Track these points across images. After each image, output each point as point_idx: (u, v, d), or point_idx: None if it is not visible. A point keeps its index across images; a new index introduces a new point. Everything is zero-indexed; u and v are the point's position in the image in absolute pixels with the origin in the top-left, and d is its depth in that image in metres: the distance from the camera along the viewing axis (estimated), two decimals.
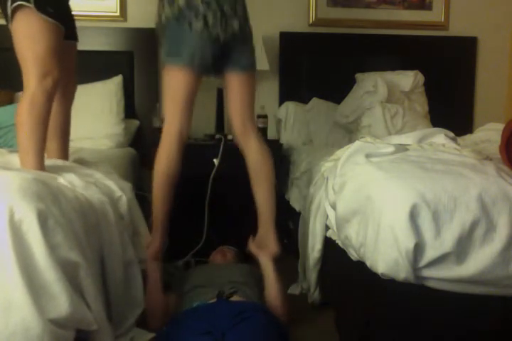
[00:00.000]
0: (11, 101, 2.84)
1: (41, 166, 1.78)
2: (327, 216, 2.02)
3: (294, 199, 2.78)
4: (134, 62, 3.20)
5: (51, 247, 1.36)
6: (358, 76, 3.16)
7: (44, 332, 1.28)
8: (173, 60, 2.05)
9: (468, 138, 2.73)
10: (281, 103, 3.31)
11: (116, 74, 3.08)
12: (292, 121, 3.23)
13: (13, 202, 1.33)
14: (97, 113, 2.90)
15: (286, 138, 3.22)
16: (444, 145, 1.94)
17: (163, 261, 2.14)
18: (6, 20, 1.84)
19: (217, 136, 2.90)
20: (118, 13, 3.21)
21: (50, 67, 1.78)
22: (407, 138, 2.06)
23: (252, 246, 2.16)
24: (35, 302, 1.29)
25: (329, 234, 2.02)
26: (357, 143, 1.99)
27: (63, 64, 1.87)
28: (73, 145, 2.68)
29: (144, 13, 3.23)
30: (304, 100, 3.26)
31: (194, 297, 1.92)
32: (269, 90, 3.33)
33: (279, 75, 3.34)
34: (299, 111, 3.22)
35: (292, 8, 3.34)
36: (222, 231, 2.73)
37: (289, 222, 2.91)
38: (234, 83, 2.14)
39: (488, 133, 2.66)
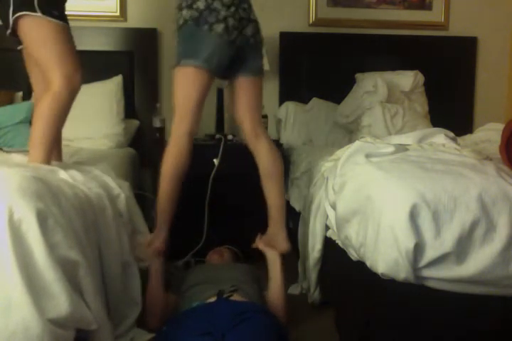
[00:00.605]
0: (11, 101, 2.84)
1: (48, 159, 1.82)
2: (327, 216, 2.02)
3: (294, 199, 2.78)
4: (134, 62, 3.20)
5: (51, 246, 1.36)
6: (358, 76, 3.16)
7: (44, 332, 1.28)
8: (190, 61, 2.06)
9: (468, 138, 2.73)
10: (281, 103, 3.31)
11: (116, 74, 3.08)
12: (292, 121, 3.23)
13: (13, 202, 1.33)
14: (97, 113, 2.90)
15: (286, 138, 3.22)
16: (444, 145, 1.94)
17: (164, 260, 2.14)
18: (6, 27, 1.84)
19: (217, 136, 2.90)
20: (118, 13, 3.22)
21: (73, 68, 1.84)
22: (407, 138, 2.06)
23: (260, 243, 2.18)
24: (34, 302, 1.29)
25: (329, 234, 2.02)
26: (357, 143, 1.99)
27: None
28: (73, 145, 2.69)
29: (144, 13, 3.23)
30: (304, 100, 3.26)
31: (193, 296, 1.91)
32: (269, 90, 3.32)
33: (279, 75, 3.34)
34: (299, 111, 3.22)
35: (292, 8, 3.34)
36: (222, 231, 2.73)
37: (289, 222, 2.90)
38: (244, 87, 2.18)
39: (488, 133, 2.66)
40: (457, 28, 3.49)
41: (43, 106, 1.82)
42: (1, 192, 1.35)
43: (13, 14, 1.79)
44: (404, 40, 3.40)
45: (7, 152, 2.20)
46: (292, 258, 2.47)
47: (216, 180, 2.74)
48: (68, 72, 1.81)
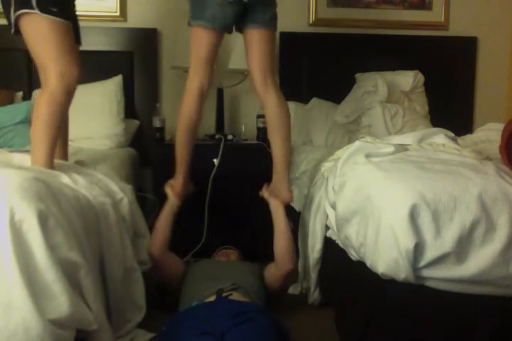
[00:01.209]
0: (11, 101, 2.84)
1: (50, 162, 1.81)
2: (327, 216, 2.02)
3: (294, 199, 2.77)
4: (134, 62, 3.20)
5: (51, 247, 1.36)
6: (358, 76, 3.16)
7: (44, 332, 1.28)
8: (197, 21, 2.18)
9: (468, 138, 2.73)
10: None
11: (116, 74, 3.07)
12: (292, 121, 3.22)
13: (14, 202, 1.33)
14: (97, 113, 2.89)
15: None
16: (444, 145, 1.94)
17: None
18: (10, 27, 1.85)
19: (217, 136, 2.90)
20: (118, 13, 3.21)
21: (69, 64, 1.81)
22: (407, 138, 2.06)
23: (265, 192, 2.28)
24: (35, 303, 1.29)
25: (329, 234, 2.02)
26: (357, 143, 1.99)
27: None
28: (73, 145, 2.69)
29: (144, 13, 3.23)
30: (304, 100, 3.26)
31: (193, 295, 1.92)
32: None
33: (279, 75, 3.34)
34: (299, 111, 3.21)
35: (292, 8, 3.34)
36: (222, 231, 2.73)
37: (289, 222, 2.90)
38: (255, 38, 2.24)
39: (488, 133, 2.66)
40: (457, 28, 3.49)
41: (40, 106, 1.81)
42: (2, 192, 1.36)
43: (14, 13, 1.79)
44: (405, 40, 3.40)
45: (10, 151, 2.20)
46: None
47: (216, 180, 2.74)
48: (63, 70, 1.80)
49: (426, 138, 2.05)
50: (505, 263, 1.49)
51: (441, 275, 1.51)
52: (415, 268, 1.51)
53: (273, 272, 2.14)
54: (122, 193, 1.93)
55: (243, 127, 3.21)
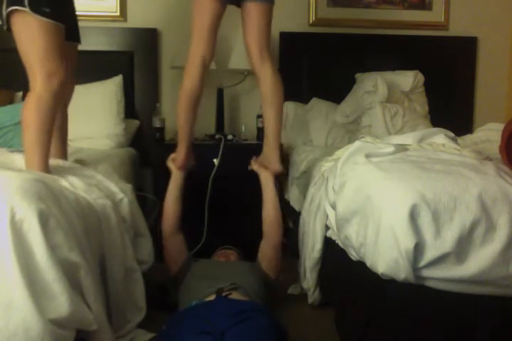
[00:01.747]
0: (11, 101, 2.84)
1: (46, 167, 1.79)
2: (327, 216, 2.02)
3: (294, 199, 2.78)
4: (134, 62, 3.20)
5: (52, 247, 1.36)
6: (358, 76, 3.16)
7: (44, 332, 1.29)
8: None
9: (468, 138, 2.73)
10: None
11: (116, 74, 3.08)
12: (292, 121, 3.23)
13: (14, 203, 1.33)
14: (97, 113, 2.90)
15: (286, 138, 3.22)
16: (444, 145, 1.94)
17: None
18: (2, 24, 1.84)
19: (217, 136, 2.90)
20: (118, 13, 3.21)
21: (55, 67, 1.78)
22: (407, 138, 2.06)
23: (254, 164, 2.36)
24: (35, 303, 1.29)
25: (329, 234, 2.02)
26: (357, 143, 1.99)
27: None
28: (73, 145, 2.69)
29: (144, 13, 3.23)
30: (304, 100, 3.26)
31: (192, 294, 1.92)
32: None
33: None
34: (299, 111, 3.22)
35: (292, 8, 3.34)
36: (222, 231, 2.73)
37: (289, 222, 2.91)
38: (253, 12, 2.27)
39: (488, 133, 2.66)
40: (457, 28, 3.49)
41: (29, 113, 1.78)
42: (3, 193, 1.36)
43: (6, 9, 1.78)
44: (404, 40, 3.40)
45: (10, 152, 2.20)
46: (292, 258, 2.48)
47: (216, 180, 2.74)
48: (49, 72, 1.77)
49: (426, 138, 2.05)
50: (505, 263, 1.49)
51: (441, 275, 1.51)
52: (415, 268, 1.51)
53: (263, 252, 2.20)
54: (122, 194, 1.93)
55: (243, 127, 3.21)
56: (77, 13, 2.06)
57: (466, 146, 2.15)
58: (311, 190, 2.30)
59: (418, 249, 1.49)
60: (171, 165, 2.36)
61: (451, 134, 2.09)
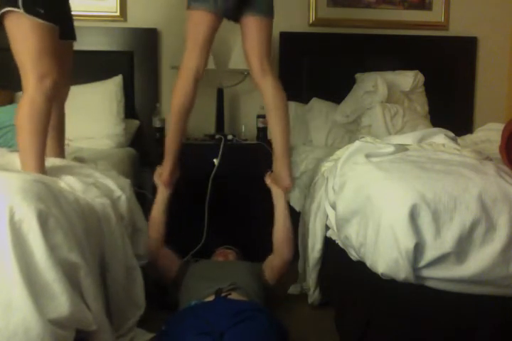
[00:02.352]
0: (11, 101, 2.84)
1: (42, 169, 1.78)
2: (327, 216, 2.02)
3: (294, 199, 2.78)
4: (134, 62, 3.19)
5: (51, 248, 1.36)
6: (358, 76, 3.16)
7: (44, 332, 1.28)
8: (197, 4, 2.17)
9: (468, 138, 2.73)
10: None
11: (116, 74, 3.07)
12: (292, 121, 3.22)
13: (14, 203, 1.33)
14: (97, 113, 2.89)
15: None
16: (444, 145, 1.94)
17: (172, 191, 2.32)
18: None
19: (217, 136, 2.90)
20: (118, 13, 3.21)
21: (48, 69, 1.77)
22: (407, 138, 2.06)
23: (268, 179, 2.33)
24: (35, 303, 1.29)
25: (329, 234, 2.02)
26: (357, 143, 1.99)
27: (59, 63, 1.87)
28: (73, 145, 2.69)
29: (144, 13, 3.23)
30: (304, 100, 3.26)
31: (192, 294, 1.92)
32: None
33: (279, 75, 3.33)
34: (299, 111, 3.21)
35: (292, 8, 3.33)
36: (222, 231, 2.72)
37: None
38: (253, 25, 2.25)
39: (488, 133, 2.66)
40: (457, 28, 3.48)
41: (22, 115, 1.78)
42: (2, 193, 1.36)
43: (0, 9, 1.77)
44: (404, 40, 3.40)
45: (10, 152, 2.20)
46: (292, 258, 2.47)
47: (216, 180, 2.74)
48: (39, 75, 1.75)
49: (426, 138, 2.06)
50: (505, 263, 1.49)
51: (441, 275, 1.51)
52: (415, 268, 1.51)
53: (271, 262, 2.18)
54: (120, 191, 1.92)
55: (243, 127, 3.21)
56: (73, 12, 2.05)
57: (466, 146, 2.15)
58: (311, 190, 2.30)
59: (418, 248, 1.49)
60: (157, 180, 2.33)
61: (451, 134, 2.09)
